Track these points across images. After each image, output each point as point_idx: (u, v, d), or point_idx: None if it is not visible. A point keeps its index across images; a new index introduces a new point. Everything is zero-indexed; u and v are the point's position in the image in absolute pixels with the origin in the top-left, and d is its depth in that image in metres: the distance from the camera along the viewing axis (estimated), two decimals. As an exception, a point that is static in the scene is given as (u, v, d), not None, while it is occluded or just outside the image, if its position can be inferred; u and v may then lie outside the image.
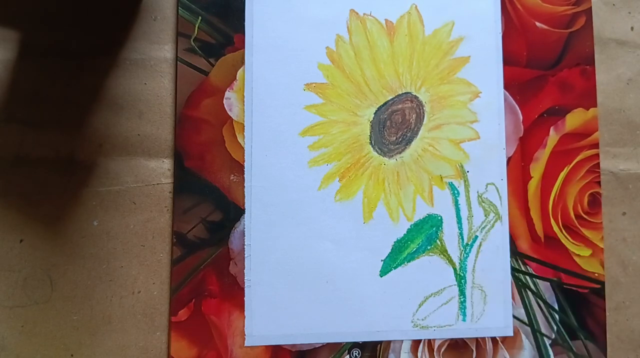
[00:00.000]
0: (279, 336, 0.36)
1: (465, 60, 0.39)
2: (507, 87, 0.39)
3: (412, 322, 0.37)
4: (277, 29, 0.38)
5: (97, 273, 0.35)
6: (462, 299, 0.37)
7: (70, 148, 0.36)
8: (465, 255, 0.38)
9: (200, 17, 0.37)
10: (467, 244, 0.38)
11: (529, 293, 0.38)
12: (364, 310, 0.37)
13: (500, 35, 0.39)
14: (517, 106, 0.39)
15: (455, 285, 0.38)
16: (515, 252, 0.38)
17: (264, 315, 0.36)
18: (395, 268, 0.37)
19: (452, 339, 0.37)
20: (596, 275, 0.39)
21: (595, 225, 0.39)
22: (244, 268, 0.36)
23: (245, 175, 0.37)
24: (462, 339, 0.37)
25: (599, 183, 0.39)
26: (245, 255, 0.36)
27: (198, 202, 0.36)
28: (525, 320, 0.38)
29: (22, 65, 0.36)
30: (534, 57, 0.39)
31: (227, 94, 0.37)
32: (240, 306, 0.36)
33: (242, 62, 0.37)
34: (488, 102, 0.39)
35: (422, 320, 0.37)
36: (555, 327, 0.38)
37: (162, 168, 0.36)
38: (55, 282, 0.35)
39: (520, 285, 0.38)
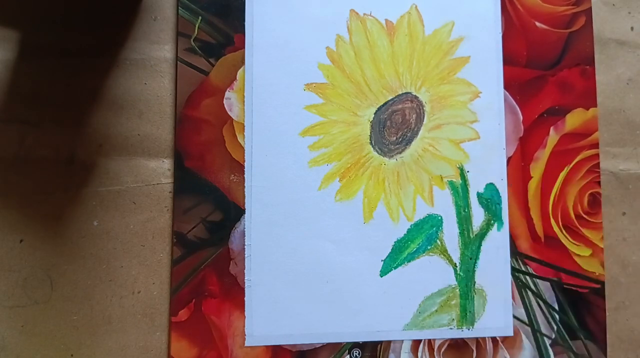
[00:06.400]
0: (279, 336, 0.36)
1: (465, 60, 0.39)
2: (507, 87, 0.39)
3: (412, 322, 0.37)
4: (277, 29, 0.37)
5: (97, 273, 0.35)
6: (462, 299, 0.37)
7: (70, 148, 0.36)
8: (465, 255, 0.38)
9: (200, 17, 0.37)
10: (467, 244, 0.38)
11: (529, 293, 0.38)
12: (364, 310, 0.37)
13: (500, 35, 0.39)
14: (517, 106, 0.39)
15: (455, 285, 0.38)
16: (515, 252, 0.38)
17: (264, 315, 0.36)
18: (395, 268, 0.37)
19: (452, 339, 0.37)
20: (596, 275, 0.39)
21: (595, 225, 0.39)
22: (244, 268, 0.36)
23: (245, 175, 0.37)
24: (462, 339, 0.37)
25: (599, 183, 0.39)
26: (246, 255, 0.36)
27: (198, 202, 0.36)
28: (526, 320, 0.38)
29: (22, 65, 0.36)
30: (534, 57, 0.39)
31: (227, 94, 0.37)
32: (241, 306, 0.36)
33: (242, 62, 0.37)
34: (488, 102, 0.39)
35: (422, 320, 0.37)
36: (555, 327, 0.38)
37: (162, 168, 0.36)
38: (55, 282, 0.35)
39: (520, 285, 0.38)
